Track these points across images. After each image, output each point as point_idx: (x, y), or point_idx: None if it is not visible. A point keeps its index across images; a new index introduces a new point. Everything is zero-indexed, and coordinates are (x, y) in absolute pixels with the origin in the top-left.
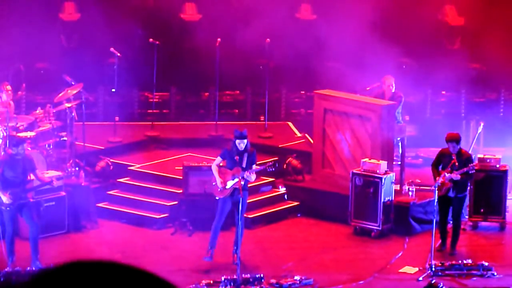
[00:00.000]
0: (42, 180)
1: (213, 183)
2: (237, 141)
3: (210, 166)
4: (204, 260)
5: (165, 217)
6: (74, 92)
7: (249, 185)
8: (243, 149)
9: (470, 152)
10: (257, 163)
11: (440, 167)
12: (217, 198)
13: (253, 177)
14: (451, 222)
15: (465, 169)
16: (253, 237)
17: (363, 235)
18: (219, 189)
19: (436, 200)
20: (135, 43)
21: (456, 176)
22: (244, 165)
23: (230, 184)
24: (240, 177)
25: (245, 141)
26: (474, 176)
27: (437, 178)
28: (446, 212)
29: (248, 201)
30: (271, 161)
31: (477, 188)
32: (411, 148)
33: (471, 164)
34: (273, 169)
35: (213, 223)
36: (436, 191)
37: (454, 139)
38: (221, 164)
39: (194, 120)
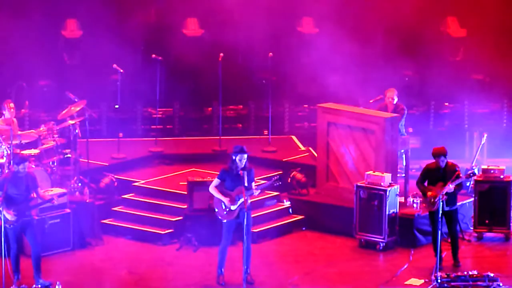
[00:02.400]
0: (43, 198)
1: (216, 209)
2: (238, 157)
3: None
4: (219, 285)
5: (170, 233)
6: (78, 109)
7: (253, 199)
8: (243, 166)
9: (474, 163)
10: (260, 177)
11: (426, 183)
12: (224, 221)
13: (257, 192)
14: (445, 236)
15: (464, 177)
16: (259, 252)
17: (368, 248)
18: (225, 212)
19: (440, 212)
20: (138, 59)
21: (450, 188)
22: (246, 184)
23: (235, 206)
24: (246, 197)
25: (246, 156)
26: (478, 187)
27: (430, 192)
28: (441, 226)
29: (252, 215)
30: (276, 175)
31: (482, 199)
32: (415, 160)
33: (470, 172)
34: (280, 183)
35: (220, 246)
36: (441, 203)
37: (442, 153)
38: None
39: (197, 135)
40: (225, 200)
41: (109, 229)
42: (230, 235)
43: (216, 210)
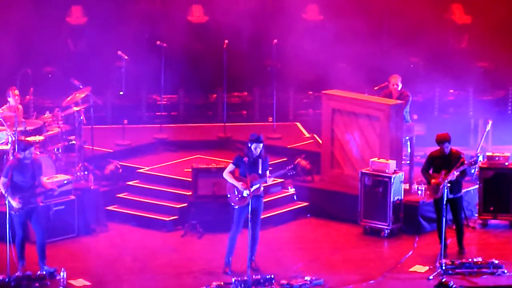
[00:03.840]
0: (45, 186)
1: (228, 195)
2: (254, 145)
3: (219, 167)
4: (225, 274)
5: (174, 219)
6: (82, 95)
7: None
8: (258, 154)
9: (478, 150)
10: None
11: (431, 170)
12: (236, 207)
13: (270, 180)
14: (450, 223)
15: (467, 164)
16: (263, 238)
17: (373, 235)
18: (237, 198)
19: (445, 200)
20: (143, 46)
21: (453, 176)
22: (260, 171)
23: (248, 191)
24: (260, 184)
25: (261, 145)
26: (483, 174)
27: (434, 180)
28: (442, 214)
29: None
30: (291, 165)
31: (486, 186)
32: (419, 147)
33: (472, 160)
34: (294, 172)
35: (230, 233)
36: (446, 190)
37: (446, 140)
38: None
39: (202, 122)
40: (238, 185)
41: (114, 215)
42: (242, 222)
43: (229, 195)
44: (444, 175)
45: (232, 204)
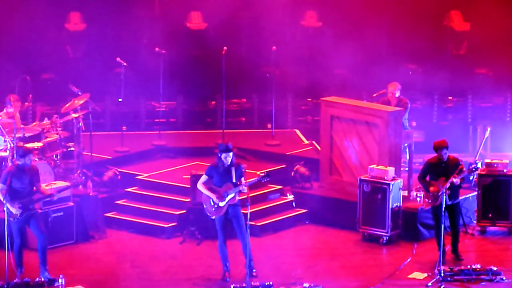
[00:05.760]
0: (43, 193)
1: (204, 206)
2: (223, 155)
3: None
4: (224, 281)
5: (173, 226)
6: (81, 102)
7: (257, 194)
8: (229, 163)
9: (477, 157)
10: (263, 171)
11: (427, 178)
12: (213, 217)
13: (245, 189)
14: (448, 230)
15: (466, 172)
16: (262, 245)
17: (371, 242)
18: (213, 209)
19: (444, 207)
20: (141, 53)
21: (456, 180)
22: (234, 180)
23: (223, 203)
24: (235, 193)
25: (231, 154)
26: (482, 181)
27: (433, 187)
28: (444, 220)
29: (255, 209)
30: (264, 172)
31: (485, 193)
32: (418, 154)
33: (472, 167)
34: (268, 179)
35: (218, 242)
36: (444, 198)
37: (444, 146)
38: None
39: (201, 129)
40: (213, 196)
41: (113, 222)
42: (224, 230)
43: (205, 206)
44: (443, 182)
45: (209, 214)
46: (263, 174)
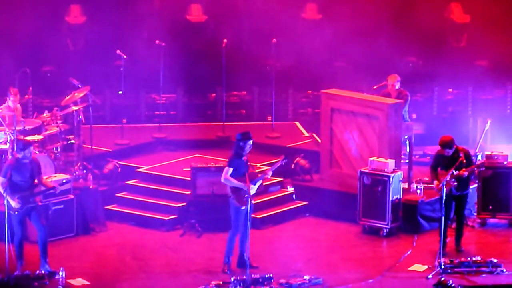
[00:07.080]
0: (45, 185)
1: (232, 197)
2: (247, 143)
3: (218, 166)
4: (224, 273)
5: (173, 219)
6: (81, 95)
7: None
8: (248, 151)
9: (477, 149)
10: (264, 163)
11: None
12: (243, 208)
13: (270, 174)
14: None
15: (474, 167)
16: (262, 237)
17: (371, 234)
18: (244, 199)
19: (444, 198)
20: (141, 45)
21: (464, 173)
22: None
23: (254, 190)
24: (262, 179)
25: (251, 142)
26: (482, 173)
27: (439, 178)
28: (450, 211)
29: (256, 201)
30: (282, 155)
31: (485, 185)
32: (418, 146)
33: (480, 162)
34: (286, 160)
35: (230, 234)
36: (444, 189)
37: (447, 145)
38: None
39: (201, 121)
40: (244, 186)
41: (113, 215)
42: (241, 223)
43: (235, 198)
44: (450, 174)
45: (240, 205)
46: (282, 157)
